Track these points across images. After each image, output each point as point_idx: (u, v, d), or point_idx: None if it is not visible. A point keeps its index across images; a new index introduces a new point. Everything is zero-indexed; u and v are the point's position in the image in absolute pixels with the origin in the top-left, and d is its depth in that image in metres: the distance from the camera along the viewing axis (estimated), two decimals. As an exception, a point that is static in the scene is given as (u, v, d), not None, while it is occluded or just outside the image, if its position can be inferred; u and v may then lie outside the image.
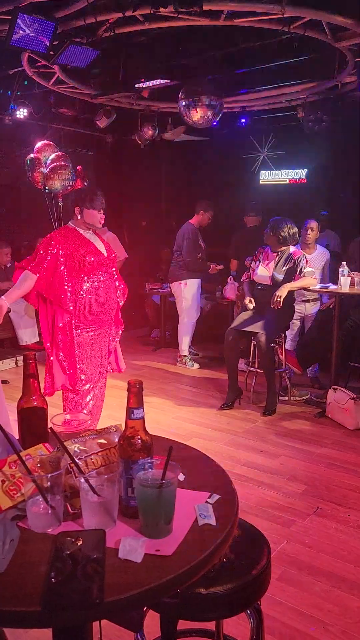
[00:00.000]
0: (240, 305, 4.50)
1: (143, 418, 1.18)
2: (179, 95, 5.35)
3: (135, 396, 1.17)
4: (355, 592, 2.35)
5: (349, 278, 4.33)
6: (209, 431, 4.16)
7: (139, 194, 8.44)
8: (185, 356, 6.08)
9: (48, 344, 3.26)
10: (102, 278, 3.31)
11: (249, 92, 6.12)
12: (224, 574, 1.43)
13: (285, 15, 3.96)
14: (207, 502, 1.21)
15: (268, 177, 7.82)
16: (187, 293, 5.97)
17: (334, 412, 4.34)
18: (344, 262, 4.46)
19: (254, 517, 2.86)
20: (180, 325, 6.12)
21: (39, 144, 6.02)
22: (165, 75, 5.81)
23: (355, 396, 4.18)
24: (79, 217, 3.33)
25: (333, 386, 4.41)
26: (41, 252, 3.19)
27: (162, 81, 5.96)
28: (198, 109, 5.35)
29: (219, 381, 5.49)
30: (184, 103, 5.32)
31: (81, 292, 3.23)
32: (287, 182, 7.66)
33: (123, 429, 1.21)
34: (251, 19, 4.17)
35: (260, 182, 7.86)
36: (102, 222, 3.39)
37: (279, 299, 4.24)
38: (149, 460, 1.17)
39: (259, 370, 4.62)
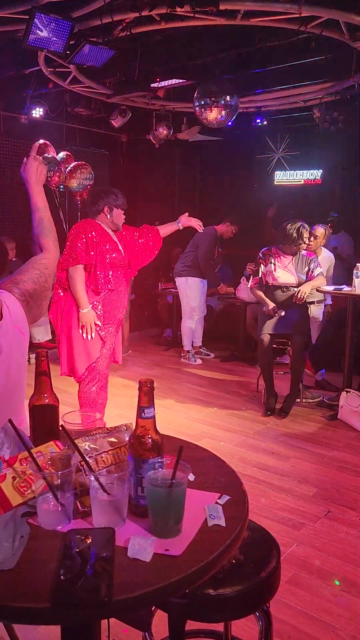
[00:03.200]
0: (266, 311, 4.43)
1: (154, 417, 1.18)
2: (195, 95, 5.34)
3: (146, 395, 1.16)
4: (366, 597, 2.32)
5: (364, 280, 4.30)
6: (219, 432, 4.15)
7: (153, 193, 8.44)
8: (188, 351, 6.14)
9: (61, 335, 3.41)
10: (120, 275, 3.44)
11: (265, 92, 6.09)
12: (233, 575, 1.43)
13: (302, 15, 3.93)
14: (217, 502, 1.21)
15: (283, 177, 7.79)
16: (189, 290, 6.00)
17: (346, 415, 4.30)
18: (358, 264, 4.43)
19: (264, 519, 2.84)
20: (183, 322, 6.16)
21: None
22: (180, 75, 5.81)
23: (368, 399, 4.14)
24: (108, 216, 3.42)
25: (346, 389, 4.38)
26: (79, 244, 3.28)
27: (177, 81, 5.95)
28: (213, 109, 5.33)
29: (231, 382, 5.47)
30: (199, 103, 5.31)
31: (108, 286, 3.35)
32: (302, 182, 7.62)
33: (134, 427, 1.21)
34: (268, 19, 4.14)
35: (275, 183, 7.83)
36: (123, 222, 3.51)
37: (303, 294, 4.30)
38: (159, 460, 1.16)
39: (279, 373, 4.67)
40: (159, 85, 6.06)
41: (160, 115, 6.73)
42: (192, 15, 4.00)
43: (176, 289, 6.34)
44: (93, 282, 3.33)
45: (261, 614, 1.60)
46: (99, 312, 3.37)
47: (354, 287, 4.33)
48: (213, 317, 6.77)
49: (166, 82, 5.99)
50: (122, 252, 3.49)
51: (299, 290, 4.31)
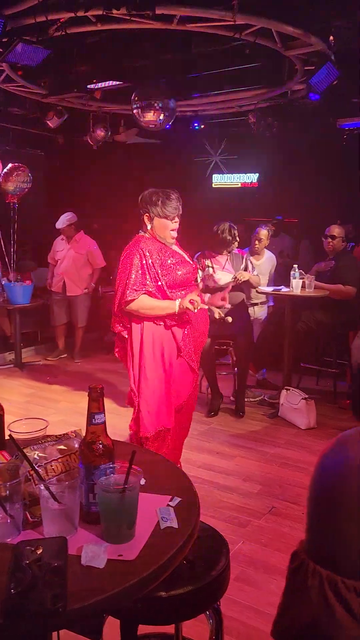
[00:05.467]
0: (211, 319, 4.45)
1: (104, 423, 1.17)
2: (132, 98, 5.34)
3: (96, 401, 1.16)
4: (310, 588, 2.40)
5: (301, 281, 4.44)
6: (164, 434, 4.15)
7: (91, 195, 8.36)
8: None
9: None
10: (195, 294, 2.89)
11: (201, 97, 6.18)
12: (184, 576, 1.44)
13: (236, 23, 4.02)
14: (168, 505, 1.22)
15: (220, 180, 7.93)
16: None
17: (286, 413, 4.43)
18: (295, 265, 4.57)
19: (210, 519, 2.88)
20: None
21: None
22: (117, 77, 5.79)
23: (306, 396, 4.28)
24: (148, 226, 2.75)
25: (286, 387, 4.51)
26: (133, 275, 2.65)
27: (114, 82, 5.93)
28: (151, 112, 5.36)
29: (174, 383, 5.50)
30: (136, 105, 5.32)
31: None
32: (239, 185, 7.78)
33: (82, 434, 1.20)
34: (203, 25, 4.21)
35: (213, 186, 7.95)
36: (175, 235, 2.77)
37: (242, 276, 4.31)
38: (111, 466, 1.16)
39: (221, 373, 4.74)
40: (96, 87, 6.02)
41: (98, 117, 6.68)
42: (128, 18, 4.00)
43: (117, 292, 6.29)
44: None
45: (212, 613, 1.61)
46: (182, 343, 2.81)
47: (292, 287, 4.47)
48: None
49: (103, 83, 5.96)
50: (192, 263, 2.92)
51: (239, 273, 4.34)
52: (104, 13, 3.89)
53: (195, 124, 6.90)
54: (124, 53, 5.19)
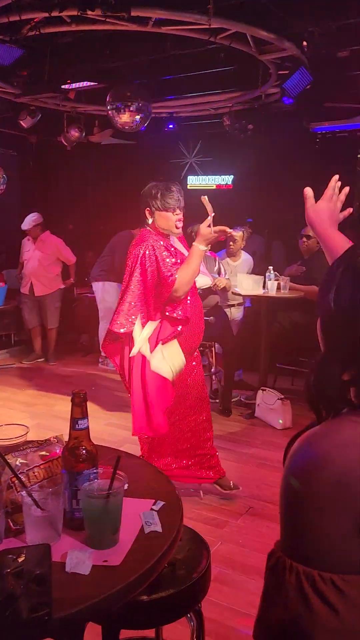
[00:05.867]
0: None
1: (87, 428, 1.17)
2: (107, 98, 5.31)
3: (79, 406, 1.15)
4: (288, 587, 2.43)
5: (276, 282, 4.49)
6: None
7: (66, 196, 8.28)
8: (106, 357, 6.09)
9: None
10: (194, 296, 2.85)
11: (177, 99, 6.19)
12: (166, 579, 1.44)
13: (211, 26, 4.05)
14: (152, 509, 1.22)
15: (196, 182, 7.95)
16: (106, 295, 5.97)
17: (262, 413, 4.47)
18: (270, 267, 4.62)
19: (189, 521, 2.88)
20: (100, 327, 6.11)
21: None
22: (92, 77, 5.76)
23: (282, 397, 4.33)
24: (149, 220, 2.73)
25: (262, 387, 4.55)
26: (162, 266, 2.64)
27: (89, 83, 5.90)
28: (126, 113, 5.34)
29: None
30: (112, 106, 5.30)
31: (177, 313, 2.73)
32: (214, 187, 7.82)
33: (64, 439, 1.19)
34: (178, 28, 4.22)
35: (188, 187, 7.97)
36: (180, 225, 2.75)
37: (220, 282, 4.32)
38: (94, 471, 1.15)
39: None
40: (70, 87, 5.97)
41: (72, 117, 6.63)
42: (103, 19, 3.99)
43: (92, 293, 6.27)
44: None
45: (193, 615, 1.62)
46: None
47: (267, 289, 4.51)
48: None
49: (77, 83, 5.91)
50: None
51: (217, 279, 4.36)
52: (79, 14, 3.87)
53: (171, 126, 6.91)
54: (99, 54, 5.16)
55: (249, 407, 4.73)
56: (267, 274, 4.56)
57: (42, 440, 1.30)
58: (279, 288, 4.50)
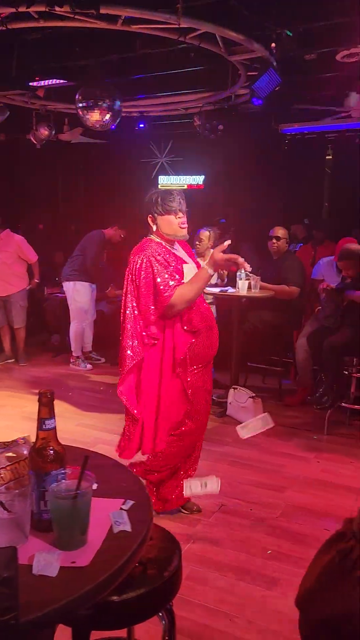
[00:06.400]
0: None
1: (55, 428, 1.15)
2: (77, 96, 5.27)
3: (46, 406, 1.14)
4: (259, 582, 2.45)
5: (247, 282, 4.52)
6: (114, 437, 4.10)
7: (36, 196, 8.19)
8: (77, 357, 6.04)
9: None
10: (202, 306, 2.77)
11: (147, 98, 6.18)
12: (137, 579, 1.44)
13: (181, 26, 4.05)
14: (121, 508, 1.21)
15: (167, 182, 7.96)
16: (77, 295, 5.92)
17: (234, 411, 4.50)
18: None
19: (161, 519, 2.88)
20: (71, 327, 6.06)
21: None
22: (61, 75, 5.70)
23: (253, 395, 4.37)
24: (154, 227, 2.69)
25: (233, 386, 4.58)
26: (159, 279, 2.57)
27: (58, 81, 5.84)
28: (96, 111, 5.30)
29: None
30: (81, 104, 5.25)
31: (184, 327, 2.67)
32: (186, 187, 7.85)
33: (31, 440, 1.17)
34: (148, 26, 4.21)
35: (160, 187, 7.96)
36: (185, 226, 2.69)
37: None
38: (62, 471, 1.14)
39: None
40: (40, 84, 5.90)
41: (41, 115, 6.55)
42: (72, 16, 3.95)
43: (63, 293, 6.21)
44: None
45: (164, 614, 1.62)
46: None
47: (238, 288, 4.54)
48: (104, 321, 6.72)
49: (47, 81, 5.85)
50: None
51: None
52: (47, 10, 3.82)
53: (141, 125, 6.89)
54: (68, 51, 5.11)
55: (220, 406, 4.75)
56: (237, 273, 4.59)
57: (8, 442, 1.28)
58: (249, 287, 4.54)
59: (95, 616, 1.35)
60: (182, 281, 2.63)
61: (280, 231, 4.99)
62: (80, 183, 8.53)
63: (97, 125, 5.40)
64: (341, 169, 7.29)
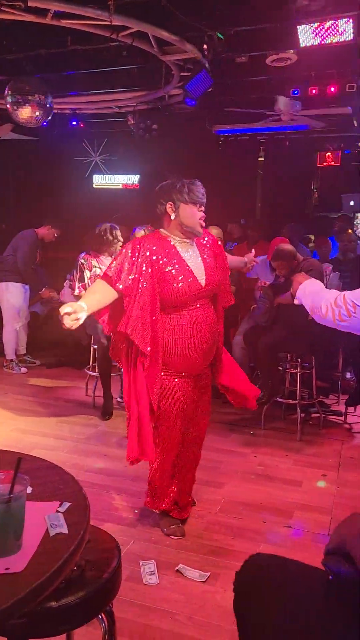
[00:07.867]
0: None
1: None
2: (5, 91, 5.11)
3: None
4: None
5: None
6: (50, 440, 4.03)
7: None
8: (11, 360, 5.87)
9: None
10: (195, 313, 2.48)
11: (79, 95, 6.09)
12: (75, 582, 1.41)
13: (113, 23, 4.02)
14: (57, 511, 1.18)
15: (102, 181, 7.88)
16: (10, 297, 5.75)
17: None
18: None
19: (100, 522, 2.84)
20: (4, 330, 5.88)
21: None
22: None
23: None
24: (172, 216, 2.43)
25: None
26: (126, 263, 2.36)
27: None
28: (26, 107, 5.17)
29: (59, 388, 5.36)
30: (11, 100, 5.10)
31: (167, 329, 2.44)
32: (121, 186, 7.80)
33: None
34: (79, 22, 4.15)
35: (94, 186, 7.88)
36: (203, 224, 2.47)
37: None
38: (-6, 476, 1.10)
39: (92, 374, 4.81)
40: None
41: (-32, 110, 6.30)
42: (-1, 7, 3.83)
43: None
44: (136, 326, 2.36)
45: (104, 616, 1.59)
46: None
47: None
48: (38, 322, 6.55)
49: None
50: (202, 278, 2.46)
51: None
52: (-27, 0, 3.69)
53: (74, 122, 6.78)
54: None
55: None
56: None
57: None
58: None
59: (33, 624, 1.31)
60: (178, 285, 2.38)
61: (213, 231, 5.05)
62: (11, 181, 8.27)
63: (28, 122, 5.26)
64: (272, 170, 7.50)
